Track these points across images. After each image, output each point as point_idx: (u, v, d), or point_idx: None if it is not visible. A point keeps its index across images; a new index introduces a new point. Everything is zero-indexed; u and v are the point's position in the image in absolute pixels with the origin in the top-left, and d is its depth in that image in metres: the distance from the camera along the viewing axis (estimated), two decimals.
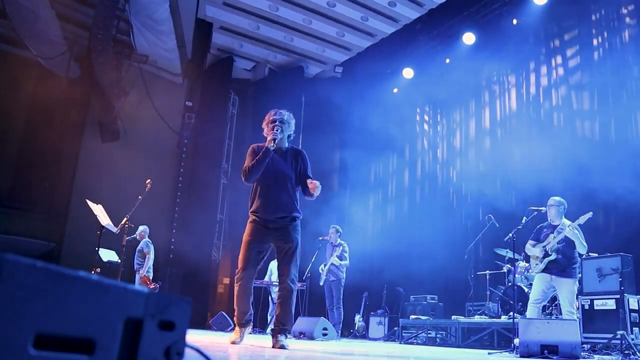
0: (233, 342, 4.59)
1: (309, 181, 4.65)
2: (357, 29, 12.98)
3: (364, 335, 10.95)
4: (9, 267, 0.70)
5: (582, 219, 5.85)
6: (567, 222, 6.03)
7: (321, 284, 9.45)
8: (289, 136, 4.91)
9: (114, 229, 7.77)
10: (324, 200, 12.65)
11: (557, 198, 6.28)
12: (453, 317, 8.98)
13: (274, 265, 10.82)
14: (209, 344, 4.60)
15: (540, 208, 6.44)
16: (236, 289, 4.68)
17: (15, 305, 0.70)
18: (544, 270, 6.06)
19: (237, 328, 4.73)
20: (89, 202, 7.65)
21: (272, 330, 4.73)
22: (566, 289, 5.92)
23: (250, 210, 4.79)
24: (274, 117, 4.81)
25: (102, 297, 0.81)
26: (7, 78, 11.70)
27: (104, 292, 0.82)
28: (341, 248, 9.35)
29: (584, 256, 6.62)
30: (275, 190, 4.71)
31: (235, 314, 4.73)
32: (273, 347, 4.47)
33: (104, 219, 7.55)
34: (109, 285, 0.83)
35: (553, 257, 5.98)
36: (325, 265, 9.41)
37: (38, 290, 0.73)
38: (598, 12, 9.46)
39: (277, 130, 4.70)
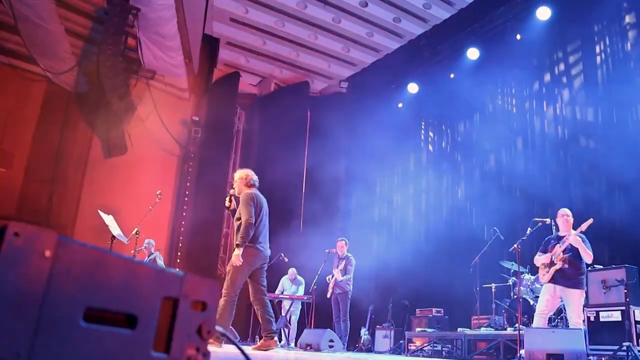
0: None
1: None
2: (362, 45, 13.11)
3: (369, 348, 10.93)
4: (64, 246, 0.78)
5: (584, 226, 5.91)
6: (574, 232, 6.09)
7: (328, 296, 9.47)
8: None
9: (125, 239, 7.86)
10: (329, 214, 12.72)
11: (566, 210, 6.34)
12: (459, 329, 9.00)
13: (285, 279, 10.89)
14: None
15: (545, 220, 6.51)
16: (228, 306, 5.50)
17: (69, 280, 0.78)
18: (551, 281, 6.10)
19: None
20: (100, 213, 7.75)
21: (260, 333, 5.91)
22: (574, 300, 5.95)
23: (256, 243, 5.71)
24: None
25: (143, 277, 0.89)
26: (15, 92, 11.86)
27: (145, 273, 0.90)
28: (345, 261, 9.37)
29: (589, 268, 6.65)
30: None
31: (223, 326, 5.43)
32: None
33: (115, 228, 7.64)
34: (149, 267, 0.91)
35: (559, 265, 6.02)
36: (332, 277, 9.44)
37: (89, 268, 0.81)
38: (601, 27, 9.55)
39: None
